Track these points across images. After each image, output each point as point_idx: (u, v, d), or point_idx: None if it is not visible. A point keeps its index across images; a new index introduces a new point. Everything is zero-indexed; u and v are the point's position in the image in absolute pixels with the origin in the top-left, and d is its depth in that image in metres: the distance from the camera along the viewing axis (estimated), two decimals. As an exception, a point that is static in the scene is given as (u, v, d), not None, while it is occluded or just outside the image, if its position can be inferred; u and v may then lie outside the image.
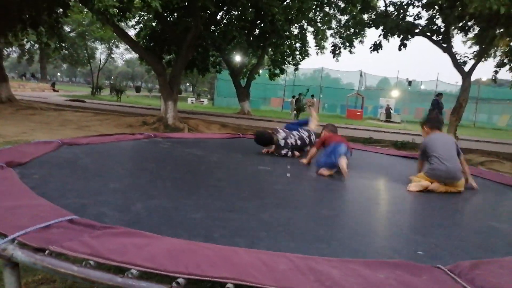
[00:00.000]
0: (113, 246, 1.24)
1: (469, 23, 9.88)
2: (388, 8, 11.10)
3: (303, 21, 16.15)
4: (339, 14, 16.10)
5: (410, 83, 27.93)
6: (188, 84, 62.13)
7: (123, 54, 53.46)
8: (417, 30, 10.39)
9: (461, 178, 3.11)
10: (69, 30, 27.75)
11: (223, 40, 12.61)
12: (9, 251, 1.22)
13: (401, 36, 10.39)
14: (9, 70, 49.36)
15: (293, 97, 20.17)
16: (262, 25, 14.32)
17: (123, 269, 1.15)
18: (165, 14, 11.18)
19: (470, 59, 10.57)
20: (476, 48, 11.30)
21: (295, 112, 18.19)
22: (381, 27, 10.54)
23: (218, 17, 13.21)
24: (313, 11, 15.60)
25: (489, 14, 6.78)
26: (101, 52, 32.99)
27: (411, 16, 10.82)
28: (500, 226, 2.21)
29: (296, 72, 22.23)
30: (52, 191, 2.00)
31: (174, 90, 10.23)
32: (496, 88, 27.60)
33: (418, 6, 10.59)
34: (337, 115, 27.01)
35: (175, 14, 11.76)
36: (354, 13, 13.56)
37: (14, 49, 30.11)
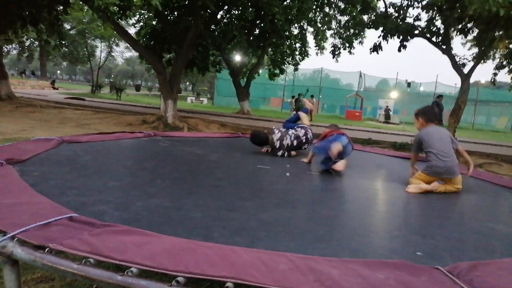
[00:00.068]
0: (113, 244, 1.24)
1: (469, 25, 9.90)
2: (388, 9, 11.11)
3: (303, 21, 16.15)
4: (339, 14, 16.09)
5: (409, 84, 27.98)
6: (188, 83, 62.10)
7: (123, 53, 53.36)
8: (416, 32, 10.40)
9: (459, 174, 3.13)
10: (69, 27, 27.74)
11: (223, 40, 12.61)
12: (9, 248, 1.22)
13: (401, 37, 10.40)
14: (9, 67, 49.27)
15: (293, 97, 20.20)
16: (262, 24, 14.32)
17: (123, 267, 1.15)
18: (166, 12, 11.17)
19: (469, 61, 10.60)
20: (475, 50, 11.34)
21: (294, 112, 18.20)
22: (381, 28, 10.55)
23: (219, 16, 13.20)
24: (313, 11, 15.59)
25: (488, 16, 6.78)
26: (101, 50, 33.00)
27: (411, 17, 10.83)
28: (498, 228, 2.21)
29: (295, 72, 22.28)
30: (52, 189, 2.00)
31: (174, 89, 10.23)
32: (495, 90, 27.69)
33: (418, 8, 10.60)
34: (336, 115, 27.03)
35: (176, 13, 11.76)
36: (354, 14, 13.57)
37: (14, 46, 30.04)
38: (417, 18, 10.65)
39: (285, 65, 17.64)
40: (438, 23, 10.34)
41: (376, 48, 11.08)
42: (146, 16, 13.42)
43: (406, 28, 10.15)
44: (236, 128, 10.27)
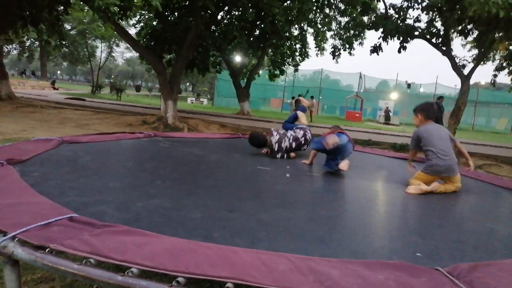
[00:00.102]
0: (114, 244, 1.24)
1: (469, 26, 9.91)
2: (388, 11, 11.12)
3: (304, 22, 16.17)
4: (339, 15, 16.12)
5: (409, 85, 27.98)
6: (188, 84, 62.13)
7: (123, 53, 53.46)
8: (416, 33, 10.42)
9: (458, 172, 3.13)
10: (69, 28, 27.75)
11: (224, 40, 12.62)
12: (10, 248, 1.22)
13: (401, 39, 10.42)
14: (9, 67, 49.28)
15: (293, 98, 20.18)
16: (262, 25, 14.34)
17: (123, 268, 1.16)
18: (166, 13, 11.18)
19: (469, 63, 10.62)
20: (475, 51, 11.36)
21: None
22: (381, 29, 10.56)
23: (219, 17, 13.23)
24: (313, 12, 15.62)
25: (488, 18, 6.79)
26: (101, 51, 33.01)
27: (411, 18, 10.86)
28: (498, 229, 2.22)
29: (295, 73, 22.29)
30: (52, 189, 2.00)
31: (174, 89, 10.24)
32: (495, 91, 27.68)
33: (418, 9, 10.62)
34: (336, 116, 27.06)
35: (176, 14, 11.77)
36: (354, 15, 13.59)
37: (14, 46, 30.06)
38: (417, 20, 10.67)
39: (285, 66, 17.66)
40: (438, 24, 10.37)
41: (376, 49, 11.09)
42: (146, 17, 13.44)
43: (406, 29, 10.16)
44: (236, 128, 10.27)
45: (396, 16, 10.83)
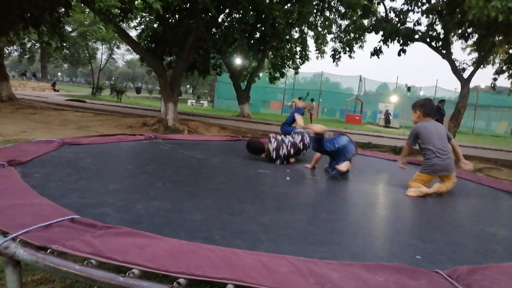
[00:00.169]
0: (115, 245, 1.25)
1: (469, 30, 9.95)
2: (388, 14, 11.17)
3: (304, 25, 16.22)
4: (339, 19, 16.19)
5: (409, 88, 28.04)
6: (188, 86, 62.21)
7: (124, 55, 53.64)
8: (416, 36, 10.45)
9: (455, 170, 3.14)
10: (70, 29, 27.80)
11: (224, 43, 12.66)
12: (11, 249, 1.23)
13: (401, 42, 10.45)
14: (10, 69, 49.30)
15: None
16: (263, 28, 14.38)
17: (124, 269, 1.16)
18: (167, 15, 11.22)
19: (469, 66, 10.64)
20: (475, 55, 11.40)
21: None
22: (381, 33, 10.60)
23: (219, 19, 13.27)
24: (314, 15, 15.68)
25: (487, 22, 6.82)
26: (102, 53, 33.07)
27: (411, 22, 10.90)
28: (498, 232, 2.22)
29: (296, 76, 22.32)
30: (53, 190, 2.01)
31: (175, 91, 10.26)
32: (495, 95, 27.75)
33: (418, 12, 10.66)
34: (336, 119, 27.08)
35: (177, 16, 11.81)
36: (355, 18, 13.65)
37: (15, 47, 30.11)
38: (417, 23, 10.71)
39: (286, 69, 17.69)
40: (438, 28, 10.41)
41: (377, 52, 11.13)
42: (147, 19, 13.48)
43: (406, 33, 10.20)
44: (236, 131, 10.28)
45: (396, 19, 10.87)
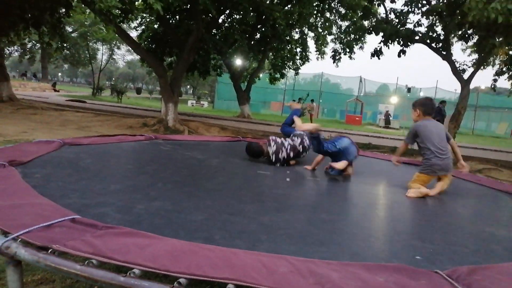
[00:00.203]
0: (116, 245, 1.26)
1: (469, 31, 9.96)
2: (388, 15, 11.18)
3: (304, 26, 16.25)
4: (339, 20, 16.22)
5: (409, 89, 28.06)
6: (188, 87, 62.24)
7: (124, 56, 53.69)
8: (417, 37, 10.47)
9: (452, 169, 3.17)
10: (71, 30, 27.85)
11: (225, 44, 12.68)
12: (12, 249, 1.23)
13: (401, 43, 10.46)
14: (10, 69, 49.33)
15: (293, 101, 20.23)
16: (263, 29, 14.40)
17: (124, 269, 1.17)
18: (167, 16, 11.24)
19: (469, 67, 10.65)
20: (475, 56, 11.41)
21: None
22: (381, 34, 10.61)
23: (220, 20, 13.28)
24: (314, 16, 15.70)
25: (487, 23, 6.82)
26: (102, 53, 33.12)
27: (411, 23, 10.91)
28: (498, 233, 2.22)
29: (296, 76, 22.35)
30: (54, 191, 2.01)
31: (175, 92, 10.27)
32: (495, 96, 27.77)
33: (418, 14, 10.68)
34: (336, 120, 27.09)
35: (177, 17, 11.83)
36: (355, 19, 13.67)
37: (15, 48, 30.16)
38: (418, 24, 10.72)
39: (286, 70, 17.72)
40: (439, 29, 10.42)
41: (377, 53, 11.14)
42: (147, 20, 13.50)
43: (406, 34, 10.21)
44: (236, 131, 10.29)
45: (397, 20, 10.89)
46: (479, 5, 6.21)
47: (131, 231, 1.42)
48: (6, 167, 2.21)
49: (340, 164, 3.28)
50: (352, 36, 14.93)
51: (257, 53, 15.85)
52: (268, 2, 12.63)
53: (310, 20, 15.65)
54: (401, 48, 10.59)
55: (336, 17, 16.24)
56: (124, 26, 12.88)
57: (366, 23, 12.59)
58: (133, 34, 17.12)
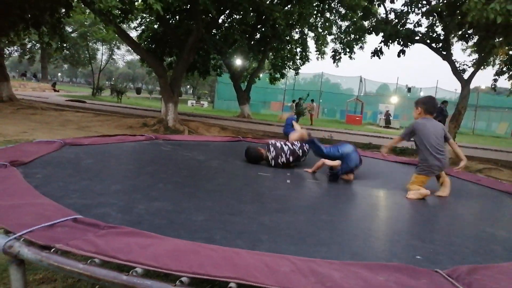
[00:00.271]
0: (118, 245, 1.26)
1: (469, 31, 9.97)
2: (388, 15, 11.19)
3: (304, 26, 16.25)
4: (339, 20, 16.22)
5: (409, 89, 28.06)
6: (188, 87, 62.22)
7: (124, 56, 53.71)
8: (417, 38, 10.47)
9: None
10: (71, 30, 27.84)
11: (224, 44, 12.68)
12: (15, 248, 1.24)
13: (401, 43, 10.47)
14: (10, 69, 49.30)
15: (293, 101, 20.24)
16: (263, 29, 14.41)
17: (126, 269, 1.17)
18: (167, 16, 11.24)
19: (469, 67, 10.66)
20: (475, 56, 11.41)
21: (294, 116, 18.24)
22: (381, 34, 10.62)
23: (220, 20, 13.28)
24: (314, 16, 15.71)
25: (486, 24, 6.83)
26: (102, 53, 33.09)
27: (411, 23, 10.91)
28: (498, 233, 2.23)
29: (296, 76, 22.35)
30: (55, 191, 2.02)
31: (175, 92, 10.27)
32: (495, 96, 27.77)
33: (418, 14, 10.68)
34: (337, 120, 27.09)
35: (177, 17, 11.83)
36: (355, 19, 13.67)
37: (15, 48, 30.16)
38: (418, 24, 10.72)
39: (286, 70, 17.73)
40: (439, 29, 10.43)
41: (377, 52, 11.15)
42: (147, 20, 13.50)
43: (407, 34, 10.21)
44: (236, 131, 10.30)
45: (397, 20, 10.89)
46: (478, 5, 6.22)
47: (133, 230, 1.43)
48: (7, 167, 2.22)
49: (333, 162, 3.26)
50: (352, 36, 14.94)
51: (257, 53, 15.86)
52: (268, 2, 12.64)
53: (310, 20, 15.66)
54: (401, 48, 10.60)
55: (336, 17, 16.25)
56: (124, 26, 12.90)
57: (366, 23, 12.60)
58: (133, 34, 17.14)
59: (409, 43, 10.48)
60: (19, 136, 6.38)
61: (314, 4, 13.76)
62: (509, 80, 11.67)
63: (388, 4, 11.79)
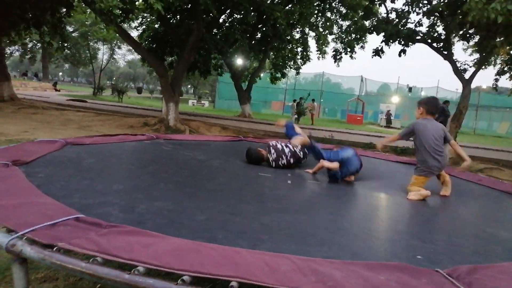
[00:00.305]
0: (120, 244, 1.27)
1: (470, 31, 9.96)
2: (389, 15, 11.18)
3: (305, 26, 16.26)
4: (340, 19, 16.22)
5: (410, 89, 28.04)
6: (189, 86, 62.24)
7: (125, 55, 53.72)
8: (418, 37, 10.47)
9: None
10: (71, 30, 27.88)
11: (225, 43, 12.69)
12: (18, 246, 1.25)
13: (402, 43, 10.46)
14: (11, 69, 49.30)
15: (294, 101, 20.27)
16: (264, 29, 14.42)
17: (128, 268, 1.18)
18: (168, 16, 11.25)
19: (470, 67, 10.65)
20: (476, 55, 11.40)
21: (295, 116, 18.24)
22: (382, 33, 10.61)
23: (221, 20, 13.30)
24: (315, 16, 15.71)
25: (487, 23, 6.82)
26: (103, 53, 33.15)
27: (412, 23, 10.91)
28: (498, 233, 2.23)
29: (297, 76, 22.35)
30: (57, 190, 2.03)
31: (176, 92, 10.28)
32: (497, 95, 27.72)
33: (419, 14, 10.68)
34: (337, 120, 27.09)
35: (178, 17, 11.84)
36: (356, 19, 13.66)
37: (16, 48, 30.21)
38: (419, 24, 10.72)
39: (287, 69, 17.74)
40: (440, 29, 10.41)
41: (378, 52, 11.14)
42: (148, 19, 13.52)
43: (408, 34, 10.21)
44: (237, 131, 10.31)
45: (397, 20, 10.88)
46: (479, 5, 6.21)
47: (135, 230, 1.44)
48: (9, 166, 2.23)
49: (331, 164, 3.26)
50: (353, 35, 14.93)
51: (258, 52, 15.87)
52: (268, 1, 12.63)
53: (311, 20, 15.66)
54: (402, 47, 10.60)
55: (337, 17, 16.25)
56: (125, 25, 12.91)
57: (367, 23, 12.59)
58: (134, 33, 17.15)
59: (410, 43, 10.48)
60: (20, 135, 6.40)
61: (315, 4, 13.77)
62: (510, 80, 11.66)
63: (389, 4, 11.82)
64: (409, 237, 2.00)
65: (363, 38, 15.26)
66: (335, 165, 3.26)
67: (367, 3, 11.65)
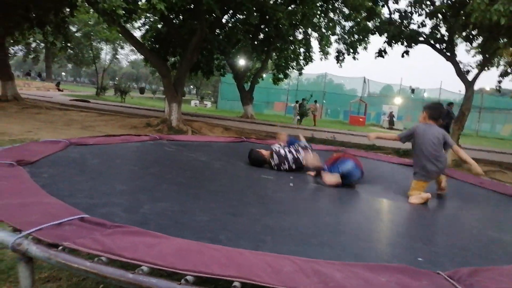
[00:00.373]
0: (124, 244, 1.29)
1: (473, 32, 9.93)
2: (392, 16, 11.17)
3: (308, 27, 16.24)
4: (343, 20, 16.19)
5: (413, 90, 27.92)
6: (192, 87, 62.28)
7: (128, 55, 53.67)
8: (421, 38, 10.45)
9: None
10: (75, 30, 27.98)
11: (228, 44, 12.70)
12: (24, 246, 1.27)
13: (405, 44, 10.45)
14: (15, 69, 49.57)
15: (296, 102, 20.27)
16: (266, 29, 14.41)
17: (131, 267, 1.20)
18: (171, 16, 11.27)
19: (473, 68, 10.62)
20: (479, 57, 11.36)
21: (298, 117, 18.25)
22: (385, 34, 10.60)
23: (223, 20, 13.31)
24: (318, 17, 15.69)
25: (490, 25, 6.80)
26: (106, 53, 33.27)
27: (415, 24, 10.89)
28: (500, 236, 2.23)
29: (299, 77, 22.33)
30: (61, 190, 2.04)
31: (178, 92, 10.31)
32: (500, 97, 27.62)
33: (422, 15, 10.66)
34: (340, 121, 27.05)
35: (181, 17, 11.86)
36: (359, 19, 13.64)
37: (20, 47, 30.33)
38: (422, 25, 10.70)
39: (289, 70, 17.73)
40: (443, 30, 10.39)
41: (381, 52, 11.13)
42: (151, 20, 13.55)
43: (410, 35, 10.19)
44: (240, 132, 10.32)
45: (400, 21, 10.87)
46: (482, 6, 6.19)
47: (139, 230, 1.45)
48: (14, 166, 2.25)
49: (332, 179, 3.23)
50: (356, 36, 14.90)
51: (261, 53, 15.87)
52: (271, 2, 12.65)
53: (314, 20, 15.64)
54: (405, 48, 10.59)
55: (340, 18, 16.23)
56: (128, 26, 12.94)
57: (370, 23, 12.58)
58: (137, 34, 17.16)
59: (413, 44, 10.46)
60: (24, 135, 6.44)
61: (318, 4, 13.76)
62: (513, 82, 11.60)
63: (392, 5, 11.80)
64: (410, 239, 2.01)
65: (366, 39, 15.23)
66: (336, 179, 3.24)
67: (370, 4, 11.63)
